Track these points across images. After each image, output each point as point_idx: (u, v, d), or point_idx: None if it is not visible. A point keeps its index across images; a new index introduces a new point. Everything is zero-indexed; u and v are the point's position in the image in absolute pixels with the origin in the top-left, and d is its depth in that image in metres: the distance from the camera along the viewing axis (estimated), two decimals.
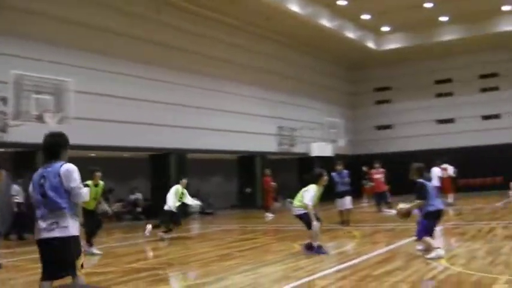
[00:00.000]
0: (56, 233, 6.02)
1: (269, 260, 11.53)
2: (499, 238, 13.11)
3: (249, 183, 31.99)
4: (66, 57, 22.00)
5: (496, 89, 39.58)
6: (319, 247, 11.78)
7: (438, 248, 10.46)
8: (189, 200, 18.29)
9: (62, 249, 6.04)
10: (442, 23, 36.20)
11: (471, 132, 38.86)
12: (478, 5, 32.62)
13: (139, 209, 27.32)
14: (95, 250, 13.95)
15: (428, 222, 10.69)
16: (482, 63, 39.45)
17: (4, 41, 20.45)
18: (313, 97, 37.96)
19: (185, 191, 17.97)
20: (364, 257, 11.06)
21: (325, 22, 32.36)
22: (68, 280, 6.17)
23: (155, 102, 25.78)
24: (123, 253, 14.47)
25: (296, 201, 12.06)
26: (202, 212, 28.60)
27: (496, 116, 39.01)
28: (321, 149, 35.97)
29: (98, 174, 14.37)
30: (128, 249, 15.47)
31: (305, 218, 11.84)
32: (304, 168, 36.26)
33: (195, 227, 22.73)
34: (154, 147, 26.11)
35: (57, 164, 6.22)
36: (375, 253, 11.62)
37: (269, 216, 24.40)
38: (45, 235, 6.06)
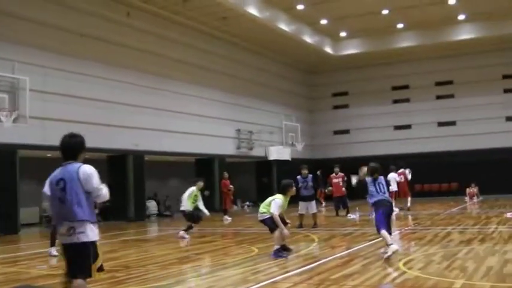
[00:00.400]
0: (74, 239, 6.07)
1: (228, 263, 11.48)
2: (455, 243, 13.30)
3: (207, 186, 31.75)
4: (23, 55, 21.62)
5: (451, 96, 40.20)
6: (278, 251, 11.82)
7: (391, 244, 10.64)
8: (202, 205, 17.93)
9: (80, 255, 6.10)
10: (399, 29, 36.65)
11: (427, 139, 39.42)
12: (435, 14, 33.20)
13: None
14: (53, 251, 13.68)
15: (378, 215, 11.16)
16: (439, 70, 40.05)
17: None
18: (272, 101, 38.04)
19: (199, 194, 17.80)
20: (323, 261, 11.11)
21: (284, 26, 32.46)
22: None
23: (113, 103, 25.55)
24: None
25: (262, 208, 12.15)
26: (161, 214, 28.40)
27: (452, 123, 39.61)
28: (279, 152, 36.12)
29: None
30: None
31: (268, 223, 11.98)
32: (262, 172, 36.37)
33: (153, 229, 22.52)
34: (112, 148, 25.85)
35: (75, 166, 6.25)
36: (334, 257, 11.68)
37: (227, 219, 24.36)
38: (65, 241, 6.15)
